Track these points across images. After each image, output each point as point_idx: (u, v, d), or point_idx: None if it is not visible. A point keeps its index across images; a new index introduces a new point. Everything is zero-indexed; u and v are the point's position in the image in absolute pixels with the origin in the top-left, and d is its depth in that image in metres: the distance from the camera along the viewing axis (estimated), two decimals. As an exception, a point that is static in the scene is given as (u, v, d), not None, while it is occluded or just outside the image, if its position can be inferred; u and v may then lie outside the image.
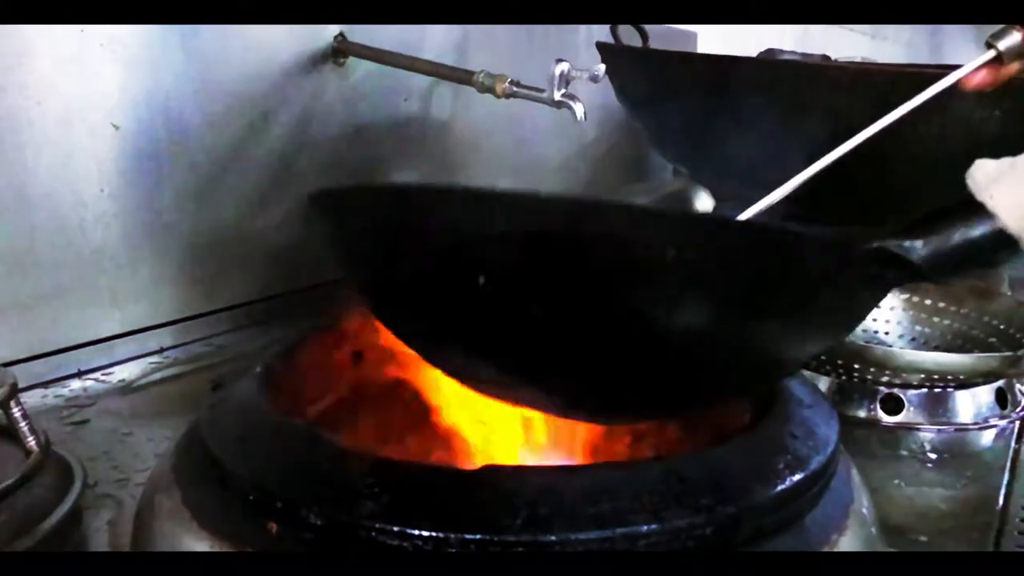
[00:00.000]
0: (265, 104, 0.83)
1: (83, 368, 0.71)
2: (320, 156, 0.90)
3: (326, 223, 0.40)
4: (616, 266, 0.32)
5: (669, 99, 1.07)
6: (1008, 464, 0.60)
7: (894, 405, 0.65)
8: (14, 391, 0.48)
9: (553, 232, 0.31)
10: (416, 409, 0.50)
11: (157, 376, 0.73)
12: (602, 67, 0.78)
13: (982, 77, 0.55)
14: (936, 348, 0.73)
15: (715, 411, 0.46)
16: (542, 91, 0.78)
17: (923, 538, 0.51)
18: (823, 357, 0.66)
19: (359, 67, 0.91)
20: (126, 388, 0.70)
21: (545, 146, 1.26)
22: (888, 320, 0.77)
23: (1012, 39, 0.53)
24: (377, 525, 0.33)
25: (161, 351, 0.77)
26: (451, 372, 0.42)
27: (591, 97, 0.83)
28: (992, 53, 0.53)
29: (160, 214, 0.76)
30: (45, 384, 0.69)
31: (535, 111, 0.83)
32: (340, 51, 0.89)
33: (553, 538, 0.32)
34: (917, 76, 0.87)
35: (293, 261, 0.89)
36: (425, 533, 0.33)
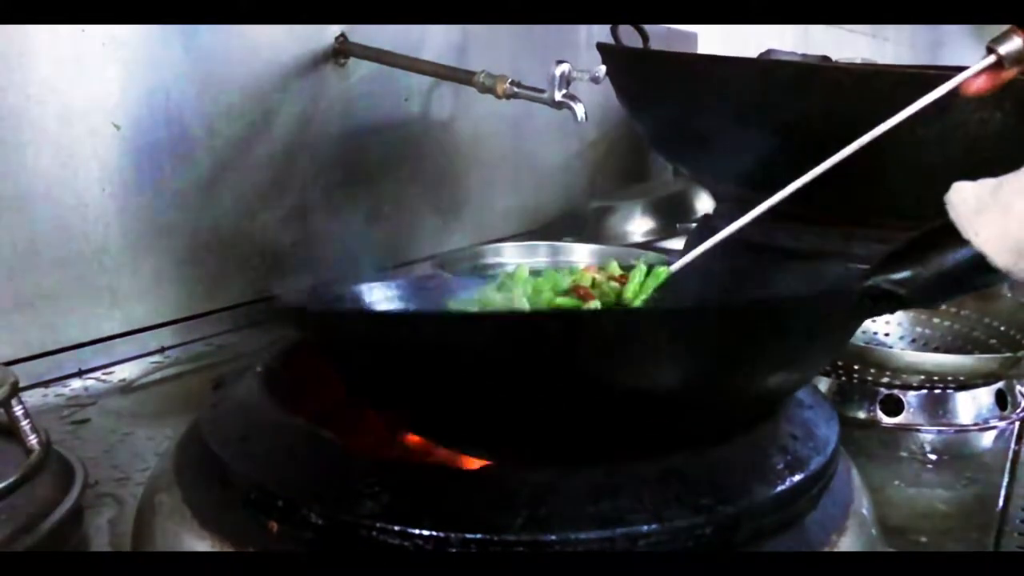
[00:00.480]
0: (266, 104, 0.83)
1: (84, 367, 0.72)
2: (321, 156, 0.90)
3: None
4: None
5: (669, 100, 1.06)
6: (1008, 465, 0.60)
7: (894, 406, 0.65)
8: (15, 390, 0.48)
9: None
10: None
11: (157, 375, 0.73)
12: (602, 68, 0.79)
13: (983, 82, 0.55)
14: (936, 349, 0.73)
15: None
16: (543, 92, 0.78)
17: (923, 539, 0.51)
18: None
19: (360, 67, 0.91)
20: (127, 387, 0.70)
21: (546, 146, 1.26)
22: (888, 322, 0.77)
23: (1013, 44, 0.53)
24: (378, 524, 0.33)
25: (162, 351, 0.77)
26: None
27: (591, 98, 0.84)
28: (993, 58, 0.53)
29: (161, 214, 0.76)
30: (46, 383, 0.69)
31: (536, 111, 0.83)
32: (341, 51, 0.89)
33: (553, 537, 0.32)
34: (918, 77, 0.87)
35: (293, 261, 0.89)
36: (426, 532, 0.33)
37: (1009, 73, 0.53)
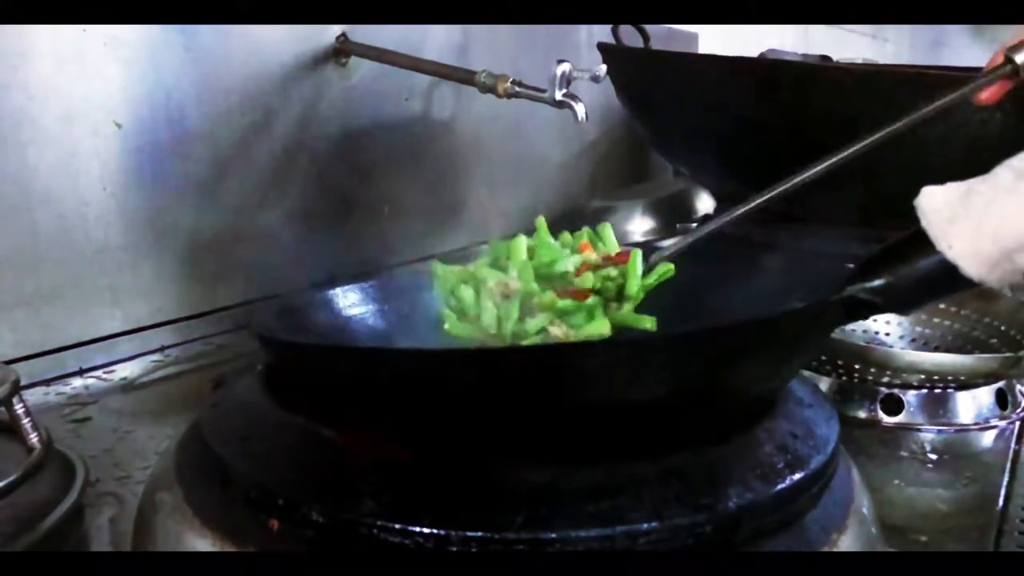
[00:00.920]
0: (267, 103, 0.83)
1: (85, 366, 0.72)
2: (321, 155, 0.90)
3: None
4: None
5: (670, 99, 1.07)
6: (1008, 465, 0.60)
7: (894, 406, 0.65)
8: (16, 388, 0.48)
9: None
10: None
11: (158, 374, 0.73)
12: (603, 67, 0.79)
13: (996, 89, 0.55)
14: (936, 349, 0.73)
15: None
16: (543, 91, 0.78)
17: (923, 538, 0.51)
18: (824, 357, 0.66)
19: (361, 67, 0.92)
20: (127, 386, 0.70)
21: (546, 146, 1.26)
22: (889, 321, 0.77)
23: None
24: (378, 523, 0.33)
25: (162, 349, 0.77)
26: None
27: (592, 97, 0.84)
28: (1009, 67, 0.53)
29: (162, 213, 0.76)
30: (47, 382, 0.69)
31: (536, 111, 0.83)
32: (342, 51, 0.89)
33: (553, 536, 0.32)
34: (918, 77, 0.87)
35: (293, 260, 0.89)
36: (426, 531, 0.33)
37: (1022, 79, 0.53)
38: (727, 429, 0.39)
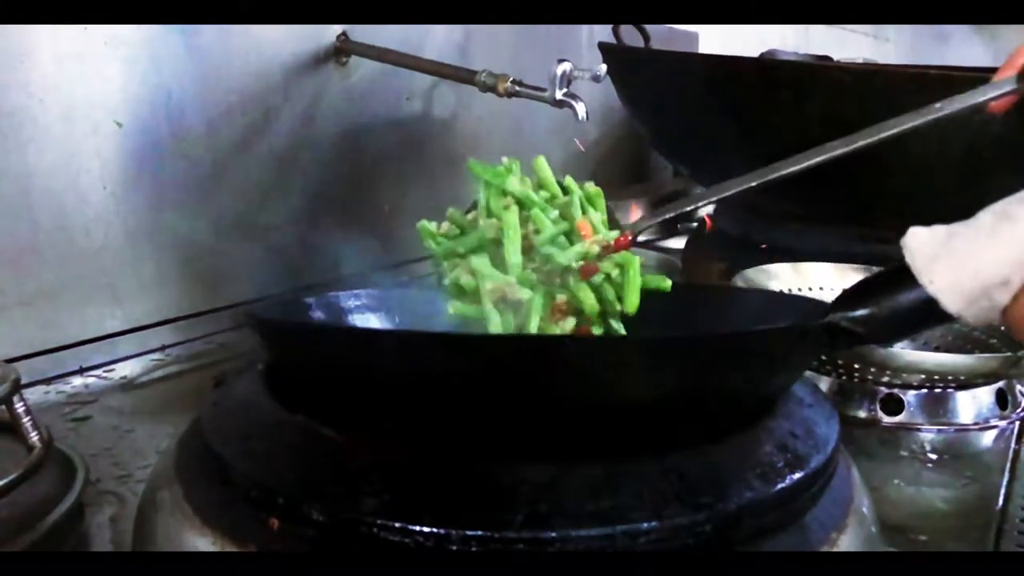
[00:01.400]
0: (267, 103, 0.84)
1: (85, 365, 0.72)
2: (322, 155, 0.90)
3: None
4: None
5: (670, 99, 1.07)
6: (1008, 465, 0.60)
7: (894, 405, 0.65)
8: (17, 387, 0.48)
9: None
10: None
11: (159, 373, 0.73)
12: (604, 67, 0.79)
13: (1006, 101, 0.57)
14: (937, 349, 0.73)
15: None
16: (544, 91, 0.78)
17: (923, 537, 0.51)
18: (824, 357, 0.66)
19: (361, 66, 0.92)
20: (128, 385, 0.70)
21: (546, 146, 1.26)
22: (889, 321, 0.77)
23: None
24: (378, 522, 0.33)
25: (163, 348, 0.77)
26: None
27: (592, 97, 0.84)
28: (1021, 85, 0.54)
29: (162, 212, 0.76)
30: (48, 380, 0.69)
31: (537, 111, 0.83)
32: (342, 50, 0.89)
33: (553, 535, 0.32)
34: (919, 77, 0.87)
35: (294, 259, 0.89)
36: (426, 529, 0.33)
37: None
38: (727, 428, 0.39)
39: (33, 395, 0.65)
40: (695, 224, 1.33)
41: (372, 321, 0.54)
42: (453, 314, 0.48)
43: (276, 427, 0.40)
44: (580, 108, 0.76)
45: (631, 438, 0.37)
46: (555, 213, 0.48)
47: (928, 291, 0.37)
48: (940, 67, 0.94)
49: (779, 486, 0.36)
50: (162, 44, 0.74)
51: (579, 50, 1.26)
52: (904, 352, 0.65)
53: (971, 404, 0.65)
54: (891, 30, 2.60)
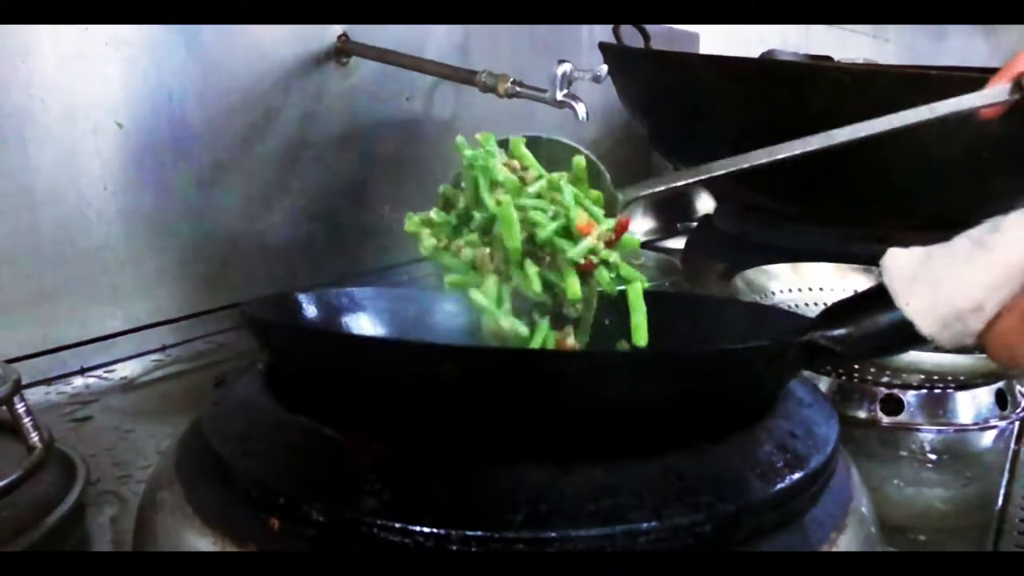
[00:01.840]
0: (268, 103, 0.84)
1: (86, 365, 0.72)
2: (322, 155, 0.90)
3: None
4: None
5: (671, 100, 1.07)
6: (1007, 465, 0.60)
7: (894, 405, 0.65)
8: (18, 387, 0.48)
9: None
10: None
11: (159, 373, 0.73)
12: (604, 67, 0.79)
13: (999, 107, 0.57)
14: (936, 349, 0.73)
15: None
16: (544, 91, 0.78)
17: (922, 538, 0.51)
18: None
19: (362, 66, 0.92)
20: (128, 385, 0.70)
21: (547, 146, 1.26)
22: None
23: None
24: (379, 522, 0.33)
25: (163, 348, 0.77)
26: None
27: (593, 97, 0.84)
28: (1017, 95, 0.55)
29: (163, 212, 0.76)
30: (48, 381, 0.69)
31: (537, 111, 0.83)
32: (343, 51, 0.89)
33: (553, 535, 0.32)
34: (919, 78, 0.87)
35: (294, 259, 0.89)
36: (426, 530, 0.33)
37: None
38: (727, 429, 0.39)
39: (34, 395, 0.65)
40: (695, 224, 1.33)
41: (367, 320, 0.54)
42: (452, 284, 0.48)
43: (276, 427, 0.40)
44: (580, 109, 0.76)
45: (630, 438, 0.37)
46: (551, 211, 0.48)
47: (904, 313, 0.38)
48: (940, 67, 0.94)
49: (779, 486, 0.36)
50: (163, 45, 0.74)
51: (579, 50, 1.26)
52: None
53: (971, 404, 0.65)
54: (891, 30, 2.60)
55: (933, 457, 0.61)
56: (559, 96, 0.77)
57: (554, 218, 0.48)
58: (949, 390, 0.65)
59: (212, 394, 0.46)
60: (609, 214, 0.51)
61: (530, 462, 0.35)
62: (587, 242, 0.47)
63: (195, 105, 0.77)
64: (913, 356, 0.64)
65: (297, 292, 0.51)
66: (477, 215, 0.48)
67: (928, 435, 0.64)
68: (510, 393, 0.36)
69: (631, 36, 1.15)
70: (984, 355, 0.65)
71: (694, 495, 0.34)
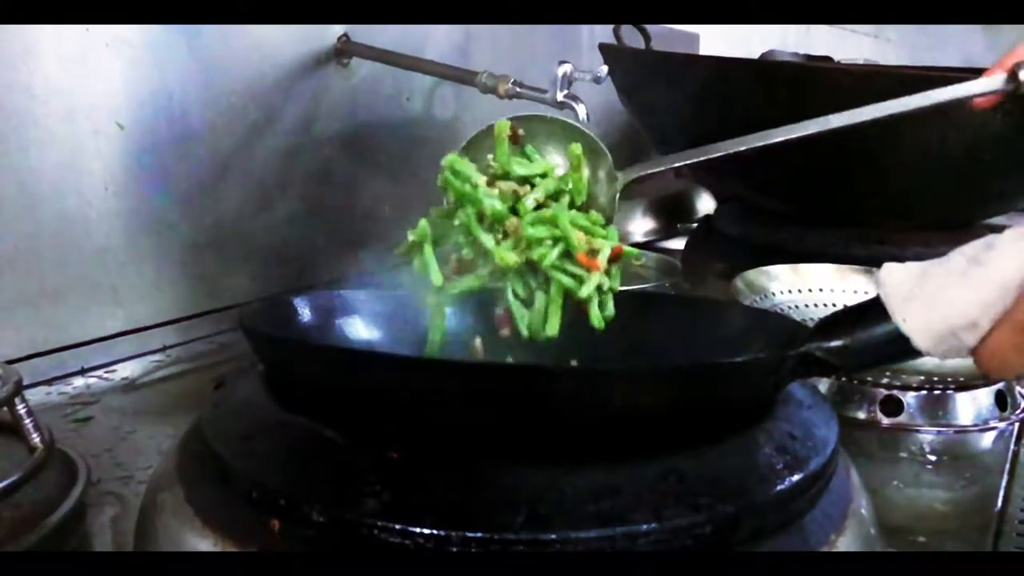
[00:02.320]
0: (269, 104, 0.84)
1: (87, 365, 0.72)
2: (323, 155, 0.90)
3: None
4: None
5: (671, 100, 1.07)
6: (1007, 466, 0.60)
7: (894, 407, 0.65)
8: (19, 388, 0.48)
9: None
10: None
11: (160, 374, 0.73)
12: (605, 68, 0.79)
13: (993, 97, 0.57)
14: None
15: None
16: (544, 92, 0.78)
17: (922, 539, 0.51)
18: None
19: (362, 67, 0.92)
20: (129, 386, 0.70)
21: (547, 146, 1.26)
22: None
23: None
24: (379, 523, 0.33)
25: (164, 349, 0.77)
26: None
27: (593, 98, 0.84)
28: (1012, 85, 0.55)
29: (164, 213, 0.76)
30: (49, 381, 0.69)
31: (537, 112, 0.83)
32: (343, 51, 0.89)
33: (553, 536, 0.32)
34: (920, 78, 0.87)
35: (295, 260, 0.89)
36: (427, 531, 0.33)
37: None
38: (727, 430, 0.39)
39: (35, 396, 0.65)
40: (695, 224, 1.33)
41: (366, 322, 0.54)
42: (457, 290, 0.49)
43: (277, 428, 0.40)
44: (581, 109, 0.76)
45: (630, 440, 0.37)
46: (550, 238, 0.48)
47: (900, 328, 0.38)
48: (940, 68, 0.94)
49: (778, 487, 0.36)
50: (164, 45, 0.74)
51: (580, 51, 1.26)
52: (904, 353, 0.65)
53: (970, 405, 0.65)
54: (891, 30, 2.60)
55: (933, 458, 0.61)
56: (559, 97, 0.77)
57: (554, 244, 0.48)
58: (949, 391, 0.65)
59: (213, 395, 0.46)
60: (610, 192, 0.51)
61: (530, 463, 0.35)
62: (594, 279, 0.48)
63: (196, 106, 0.77)
64: (913, 357, 0.64)
65: (293, 296, 0.51)
66: (469, 250, 0.48)
67: (928, 436, 0.64)
68: (510, 406, 0.37)
69: (631, 36, 1.15)
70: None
71: (694, 496, 0.34)
